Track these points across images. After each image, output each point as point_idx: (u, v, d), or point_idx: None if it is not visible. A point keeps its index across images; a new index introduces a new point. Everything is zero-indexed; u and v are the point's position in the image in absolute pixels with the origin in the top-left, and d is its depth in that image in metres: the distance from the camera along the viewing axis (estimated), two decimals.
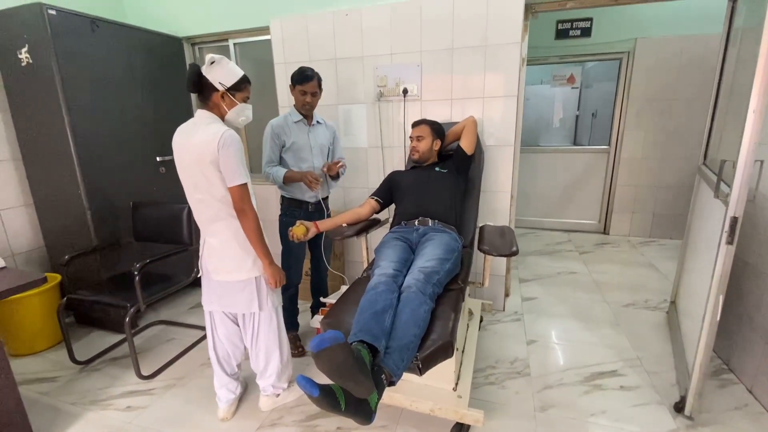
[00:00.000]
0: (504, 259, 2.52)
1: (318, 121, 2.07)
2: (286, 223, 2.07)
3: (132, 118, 2.54)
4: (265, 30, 2.71)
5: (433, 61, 2.31)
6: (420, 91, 2.37)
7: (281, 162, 2.03)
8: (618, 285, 2.82)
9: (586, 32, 3.55)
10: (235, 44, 2.97)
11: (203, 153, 1.38)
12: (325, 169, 2.01)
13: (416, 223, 1.85)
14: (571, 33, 3.59)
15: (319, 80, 1.95)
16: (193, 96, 2.97)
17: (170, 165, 2.72)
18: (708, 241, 1.66)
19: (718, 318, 1.44)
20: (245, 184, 1.42)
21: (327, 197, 2.17)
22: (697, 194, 2.09)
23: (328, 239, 2.18)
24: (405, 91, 2.38)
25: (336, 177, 2.08)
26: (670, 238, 3.67)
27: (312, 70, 1.93)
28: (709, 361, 1.50)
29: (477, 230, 1.93)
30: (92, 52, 2.29)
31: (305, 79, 1.91)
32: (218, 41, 3.00)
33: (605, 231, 3.94)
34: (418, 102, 2.40)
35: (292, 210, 2.07)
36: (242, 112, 1.47)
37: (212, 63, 1.40)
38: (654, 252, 3.41)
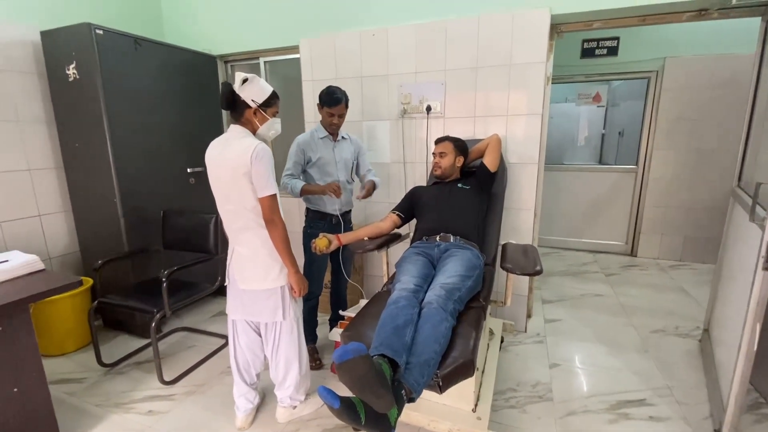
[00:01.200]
0: (527, 279, 2.48)
1: (343, 137, 2.12)
2: (310, 234, 2.10)
3: (167, 131, 2.64)
4: (294, 49, 2.80)
5: (457, 80, 2.35)
6: (443, 108, 2.41)
7: (305, 176, 2.08)
8: (646, 309, 2.74)
9: (613, 51, 3.53)
10: (265, 62, 3.09)
11: (237, 165, 1.42)
12: (360, 197, 2.05)
13: (438, 238, 1.85)
14: (597, 52, 3.58)
15: (347, 101, 2.00)
16: (224, 111, 3.10)
17: (200, 176, 2.82)
18: (743, 266, 1.61)
19: (755, 348, 1.39)
20: (275, 195, 1.46)
21: (350, 211, 2.20)
22: (731, 217, 2.03)
23: (348, 252, 2.19)
24: (428, 109, 2.42)
25: (370, 194, 2.11)
26: (703, 262, 3.53)
27: (340, 91, 1.97)
28: (745, 394, 1.44)
29: (499, 248, 1.94)
30: (133, 69, 2.38)
31: (334, 102, 1.96)
32: (249, 59, 3.13)
33: (632, 253, 3.83)
34: (441, 119, 2.43)
35: (316, 222, 2.11)
36: (272, 126, 1.53)
37: (245, 82, 1.46)
38: (685, 276, 3.30)
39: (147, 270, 2.48)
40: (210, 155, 1.51)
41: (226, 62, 3.21)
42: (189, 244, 2.34)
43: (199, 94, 2.86)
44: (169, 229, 2.42)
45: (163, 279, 1.98)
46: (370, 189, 2.06)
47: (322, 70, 2.65)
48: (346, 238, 1.88)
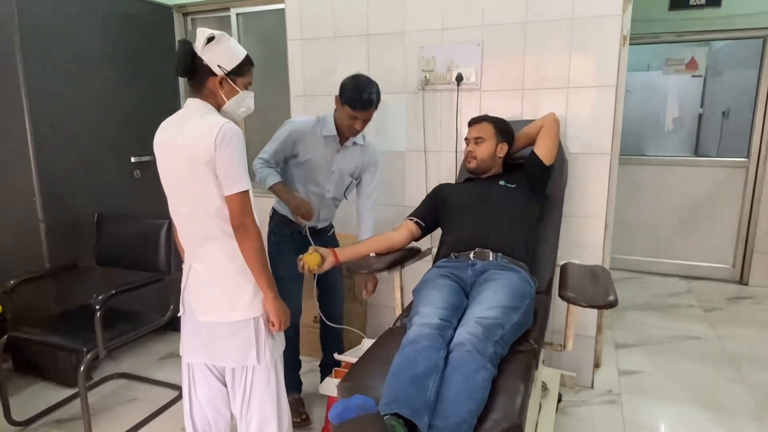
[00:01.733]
0: (595, 314, 2.47)
1: (355, 143, 2.16)
2: (275, 243, 2.13)
3: (104, 106, 2.69)
4: None
5: (499, 39, 2.37)
6: (479, 78, 2.43)
7: (287, 173, 2.13)
8: (763, 359, 2.71)
9: (715, 0, 3.52)
10: (238, 15, 3.15)
11: (197, 152, 1.42)
12: (365, 297, 2.11)
13: (472, 256, 1.85)
14: (692, 1, 3.57)
15: (378, 102, 2.02)
16: (182, 81, 3.15)
17: (147, 168, 2.85)
18: None
19: None
20: (247, 193, 1.46)
21: (328, 228, 2.26)
22: None
23: (335, 274, 2.21)
24: (459, 78, 2.43)
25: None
26: None
27: (374, 89, 1.99)
28: None
29: (557, 270, 1.92)
30: (63, 26, 2.47)
31: (362, 106, 1.96)
32: (217, 10, 3.19)
33: (742, 280, 3.79)
34: (476, 92, 2.45)
35: (282, 228, 2.14)
36: (243, 102, 1.54)
37: (210, 41, 1.45)
38: None
39: (75, 294, 2.50)
40: (160, 139, 1.52)
41: (185, 15, 3.27)
42: (132, 259, 2.37)
43: (148, 57, 2.89)
44: (106, 238, 2.45)
45: (97, 307, 2.00)
46: (376, 283, 2.14)
47: (315, 27, 2.68)
48: (344, 253, 1.89)
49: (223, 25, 3.21)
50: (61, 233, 2.50)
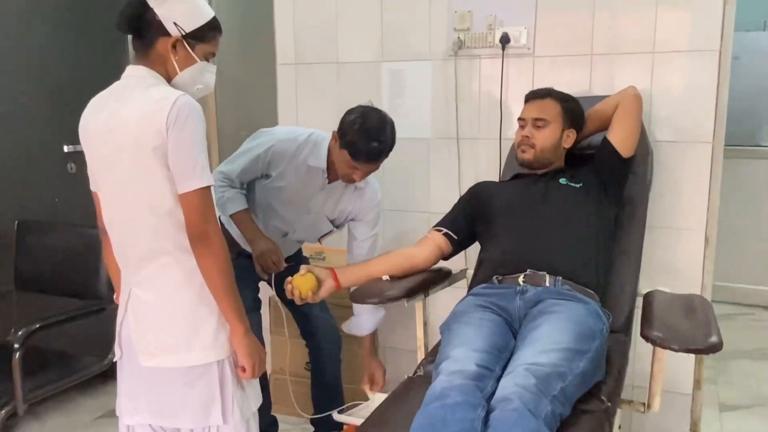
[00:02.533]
0: (690, 362, 2.41)
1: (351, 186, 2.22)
2: (239, 266, 2.16)
3: (28, 77, 2.70)
4: None
5: None
6: (532, 39, 2.44)
7: (250, 191, 2.18)
8: None
9: None
10: None
11: (140, 135, 1.43)
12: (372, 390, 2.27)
13: (521, 280, 1.86)
14: None
15: (387, 155, 2.06)
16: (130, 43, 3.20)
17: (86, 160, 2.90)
18: None
19: None
20: (209, 190, 1.47)
21: (298, 253, 2.39)
22: None
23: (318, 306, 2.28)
24: (505, 39, 2.44)
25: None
26: None
27: (387, 133, 2.01)
28: None
29: (638, 301, 1.92)
30: None
31: (369, 157, 1.98)
32: None
33: None
34: (528, 58, 2.47)
35: (235, 255, 2.19)
36: (200, 75, 1.57)
37: None
38: None
39: None
40: (90, 122, 1.54)
41: None
42: (63, 282, 2.38)
43: (92, 12, 2.91)
44: (29, 254, 2.46)
45: (15, 345, 2.00)
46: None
47: None
48: (347, 275, 1.92)
49: None
50: None
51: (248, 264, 2.11)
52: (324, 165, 2.12)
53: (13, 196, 2.68)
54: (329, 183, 2.16)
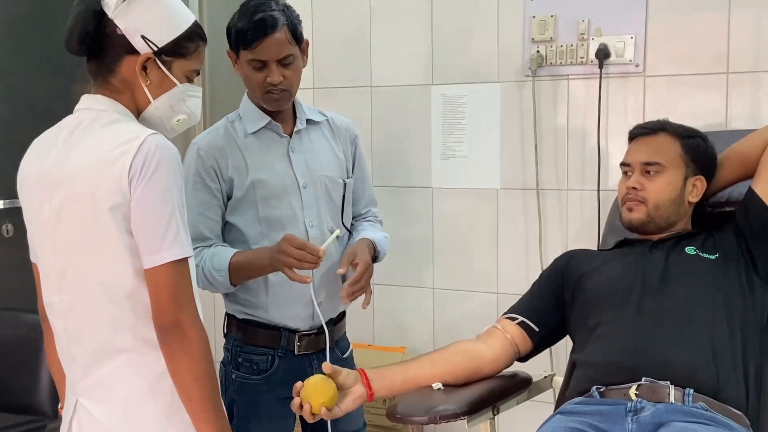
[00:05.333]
0: None
1: (311, 120, 2.20)
2: (241, 388, 2.16)
3: None
4: None
5: None
6: (642, 53, 2.44)
7: (224, 234, 2.15)
8: None
9: None
10: None
11: (94, 188, 1.42)
12: (346, 295, 2.08)
13: (634, 393, 1.76)
14: None
15: (294, 26, 2.03)
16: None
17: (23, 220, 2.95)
18: None
19: None
20: (185, 263, 1.47)
21: (343, 316, 2.32)
22: None
23: (356, 420, 2.24)
24: (603, 53, 2.46)
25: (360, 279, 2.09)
26: None
27: (272, 4, 2.02)
28: None
29: None
30: None
31: (256, 35, 1.98)
32: None
33: None
34: (636, 79, 2.46)
35: (249, 353, 2.16)
36: (181, 102, 1.61)
37: None
38: None
39: None
40: (29, 170, 1.56)
41: None
42: None
43: (45, 32, 3.03)
44: None
45: None
46: (354, 257, 2.08)
47: None
48: (384, 381, 1.87)
49: None
50: None
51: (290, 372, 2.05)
52: (266, 119, 2.12)
53: None
54: (290, 136, 2.15)
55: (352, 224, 2.30)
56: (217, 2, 3.22)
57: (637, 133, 2.06)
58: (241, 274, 2.02)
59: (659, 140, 2.03)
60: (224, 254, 2.01)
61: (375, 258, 2.15)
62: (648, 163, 1.99)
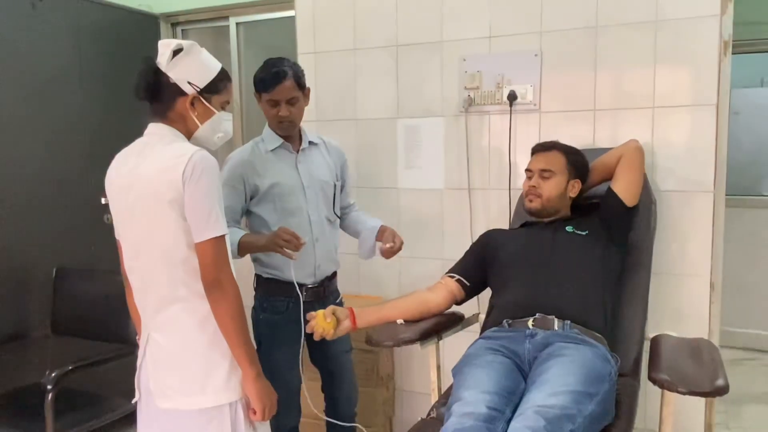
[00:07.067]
0: (701, 406, 2.37)
1: (312, 141, 2.27)
2: (268, 324, 2.18)
3: (69, 132, 2.82)
4: (286, 4, 2.98)
5: (562, 48, 2.44)
6: (538, 96, 2.50)
7: (250, 221, 2.20)
8: None
9: None
10: (238, 24, 3.30)
11: (159, 188, 1.47)
12: (381, 252, 2.18)
13: (531, 323, 1.86)
14: None
15: (297, 76, 2.11)
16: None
17: None
18: None
19: None
20: (223, 239, 1.50)
21: (334, 275, 2.32)
22: None
23: (342, 346, 2.27)
24: (512, 97, 2.51)
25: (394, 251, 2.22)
26: None
27: (285, 62, 2.11)
28: None
29: (646, 344, 1.90)
30: (27, 36, 2.61)
31: (274, 81, 2.06)
32: (214, 19, 3.34)
33: None
34: (534, 114, 2.52)
35: (271, 300, 2.19)
36: (219, 125, 1.63)
37: (177, 54, 1.53)
38: None
39: (21, 371, 2.51)
40: (114, 175, 1.59)
41: (174, 25, 3.43)
42: (97, 326, 2.40)
43: (129, 75, 3.05)
44: (66, 300, 2.50)
45: (49, 387, 2.01)
46: (395, 234, 2.19)
47: (331, 37, 2.81)
48: (364, 317, 1.92)
49: (220, 37, 3.37)
50: (8, 293, 2.57)
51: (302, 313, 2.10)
52: (279, 141, 2.16)
53: (51, 245, 2.73)
54: (297, 153, 2.19)
55: (343, 212, 2.39)
56: (253, 61, 3.21)
57: (538, 149, 2.17)
58: (245, 248, 2.05)
59: (552, 155, 2.11)
60: (236, 234, 2.03)
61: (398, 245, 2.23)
62: (544, 170, 2.09)
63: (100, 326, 2.39)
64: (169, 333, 1.57)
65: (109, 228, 2.80)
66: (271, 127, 2.18)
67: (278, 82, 2.05)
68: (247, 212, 2.18)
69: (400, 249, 2.18)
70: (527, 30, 2.47)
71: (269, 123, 2.18)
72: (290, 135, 2.18)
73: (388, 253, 2.16)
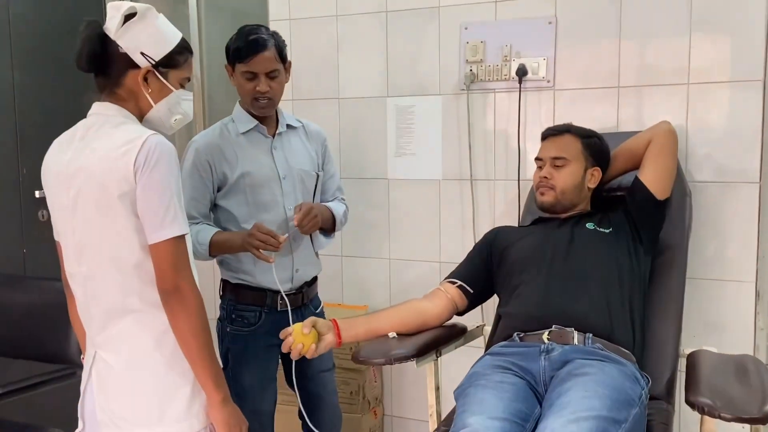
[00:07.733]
0: None
1: (290, 125, 2.26)
2: (235, 338, 2.17)
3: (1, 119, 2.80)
4: None
5: (581, 15, 2.43)
6: (552, 71, 2.50)
7: (215, 217, 2.18)
8: None
9: None
10: None
11: (106, 180, 1.45)
12: (295, 222, 2.08)
13: (546, 337, 1.85)
14: None
15: (280, 48, 2.10)
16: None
17: None
18: None
19: None
20: (183, 239, 1.50)
21: (314, 280, 2.31)
22: None
23: (325, 361, 2.25)
24: (522, 72, 2.50)
25: (328, 231, 2.23)
26: None
27: (264, 30, 2.10)
28: None
29: (681, 362, 1.92)
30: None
31: (250, 51, 2.04)
32: None
33: None
34: (547, 92, 2.52)
35: (241, 309, 2.17)
36: (177, 105, 1.61)
37: (129, 19, 1.50)
38: None
39: None
40: (52, 164, 1.57)
41: None
42: (29, 344, 2.34)
43: (71, 42, 3.01)
44: None
45: None
46: (309, 212, 2.07)
47: (310, 1, 2.80)
48: (350, 330, 1.91)
49: (178, 0, 3.33)
50: None
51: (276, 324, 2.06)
52: (253, 122, 2.15)
53: None
54: (273, 137, 2.18)
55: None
56: (217, 31, 3.18)
57: (548, 134, 2.16)
58: (218, 249, 2.07)
59: (565, 140, 2.10)
60: (207, 232, 2.06)
61: (333, 223, 2.25)
62: (556, 158, 2.08)
63: (34, 343, 2.34)
64: (119, 351, 1.55)
65: (47, 227, 2.78)
66: (243, 106, 2.16)
67: (257, 51, 2.03)
68: (213, 206, 2.17)
69: (309, 213, 2.06)
70: None
71: (243, 100, 2.15)
72: (266, 116, 2.17)
73: (304, 226, 2.06)
